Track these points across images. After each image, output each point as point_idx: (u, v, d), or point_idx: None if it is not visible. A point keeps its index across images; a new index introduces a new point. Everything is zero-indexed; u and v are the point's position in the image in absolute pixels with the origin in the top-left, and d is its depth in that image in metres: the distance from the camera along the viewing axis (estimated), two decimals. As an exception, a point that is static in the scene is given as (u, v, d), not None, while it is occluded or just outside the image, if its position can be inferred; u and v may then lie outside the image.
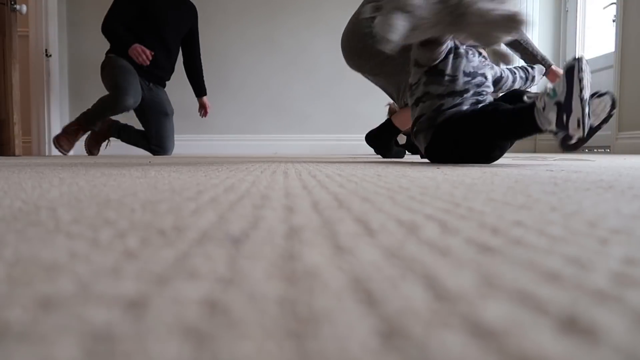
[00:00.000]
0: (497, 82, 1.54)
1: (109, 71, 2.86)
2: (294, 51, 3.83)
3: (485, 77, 1.43)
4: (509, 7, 1.23)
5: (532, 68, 1.69)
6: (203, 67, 3.20)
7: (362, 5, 2.05)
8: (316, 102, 3.82)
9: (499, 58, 1.47)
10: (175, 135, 3.08)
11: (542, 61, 1.98)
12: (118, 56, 2.85)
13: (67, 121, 3.85)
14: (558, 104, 1.15)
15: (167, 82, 3.12)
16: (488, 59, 1.49)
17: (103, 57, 2.94)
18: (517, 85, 1.61)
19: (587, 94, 1.14)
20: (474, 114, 1.35)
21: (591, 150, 3.47)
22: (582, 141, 1.17)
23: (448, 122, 1.37)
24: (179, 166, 1.19)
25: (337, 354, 0.13)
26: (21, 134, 2.92)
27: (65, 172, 0.96)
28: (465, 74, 1.40)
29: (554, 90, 1.17)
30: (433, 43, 1.36)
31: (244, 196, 0.49)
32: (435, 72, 1.41)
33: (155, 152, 2.97)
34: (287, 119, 3.84)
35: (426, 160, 1.62)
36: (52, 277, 0.20)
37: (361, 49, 1.97)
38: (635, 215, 0.38)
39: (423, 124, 1.43)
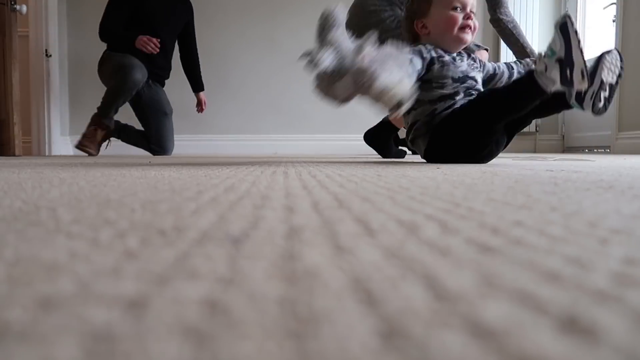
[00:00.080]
0: (491, 79, 1.54)
1: (108, 64, 2.82)
2: (294, 51, 3.81)
3: (475, 80, 1.44)
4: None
5: (521, 63, 1.70)
6: (203, 67, 3.20)
7: None
8: (316, 102, 3.80)
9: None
10: (174, 135, 3.07)
11: (531, 54, 2.03)
12: (118, 52, 2.83)
13: (67, 121, 3.86)
14: (559, 60, 1.18)
15: (166, 82, 3.11)
16: (477, 62, 1.50)
17: (103, 57, 2.93)
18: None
19: (582, 45, 1.19)
20: (472, 102, 1.37)
21: (591, 150, 3.47)
22: (608, 100, 1.26)
23: (447, 119, 1.38)
24: (179, 166, 1.19)
25: (337, 354, 0.13)
26: (21, 134, 2.92)
27: (65, 172, 0.96)
28: (454, 80, 1.40)
29: (551, 49, 1.21)
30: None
31: (244, 196, 0.49)
32: (421, 82, 1.42)
33: (155, 152, 2.96)
34: (287, 118, 3.84)
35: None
36: (52, 277, 0.20)
37: (363, 25, 2.04)
38: (635, 215, 0.38)
39: (420, 130, 1.44)
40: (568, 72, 1.17)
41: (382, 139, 2.28)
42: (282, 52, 3.82)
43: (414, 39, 1.50)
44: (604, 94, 1.27)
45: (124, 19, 2.84)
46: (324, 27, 1.16)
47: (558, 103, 1.33)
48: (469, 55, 1.48)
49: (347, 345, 0.14)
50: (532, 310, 0.16)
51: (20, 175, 0.85)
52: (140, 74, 2.74)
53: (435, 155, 1.43)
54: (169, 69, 3.06)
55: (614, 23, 3.12)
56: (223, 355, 0.13)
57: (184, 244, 0.27)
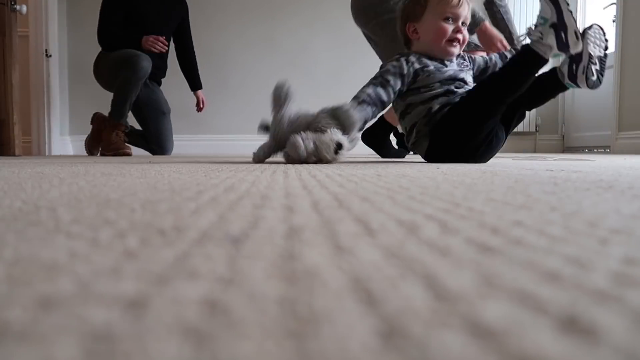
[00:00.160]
0: (484, 71, 1.56)
1: (106, 62, 2.77)
2: (293, 51, 3.83)
3: (465, 82, 1.45)
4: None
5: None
6: (202, 67, 3.19)
7: None
8: (316, 102, 3.81)
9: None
10: (174, 135, 3.06)
11: (517, 42, 2.10)
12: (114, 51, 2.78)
13: (66, 121, 3.86)
14: (553, 25, 1.23)
15: (165, 82, 3.10)
16: (467, 59, 1.51)
17: (103, 57, 2.91)
18: None
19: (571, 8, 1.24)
20: (472, 89, 1.39)
21: (591, 150, 3.47)
22: (600, 72, 1.30)
23: (449, 111, 1.39)
24: (179, 166, 1.19)
25: (337, 354, 0.13)
26: (21, 134, 2.92)
27: (65, 172, 0.96)
28: (442, 83, 1.42)
29: (542, 17, 1.26)
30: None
31: (244, 196, 0.49)
32: (409, 90, 1.45)
33: (154, 152, 2.96)
34: (287, 118, 3.84)
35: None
36: (52, 277, 0.20)
37: (367, 7, 2.11)
38: (635, 215, 0.38)
39: (420, 132, 1.44)
40: (563, 35, 1.22)
41: (379, 137, 2.28)
42: (282, 52, 3.82)
43: (405, 40, 1.54)
44: (595, 67, 1.30)
45: (120, 22, 2.82)
46: (279, 100, 1.40)
47: (553, 86, 1.35)
48: (459, 55, 1.49)
49: (347, 345, 0.14)
50: (532, 310, 0.16)
51: (20, 175, 0.85)
52: (146, 61, 2.67)
53: (438, 150, 1.43)
54: (165, 67, 3.04)
55: (614, 23, 3.12)
56: (223, 355, 0.13)
57: (184, 243, 0.27)
